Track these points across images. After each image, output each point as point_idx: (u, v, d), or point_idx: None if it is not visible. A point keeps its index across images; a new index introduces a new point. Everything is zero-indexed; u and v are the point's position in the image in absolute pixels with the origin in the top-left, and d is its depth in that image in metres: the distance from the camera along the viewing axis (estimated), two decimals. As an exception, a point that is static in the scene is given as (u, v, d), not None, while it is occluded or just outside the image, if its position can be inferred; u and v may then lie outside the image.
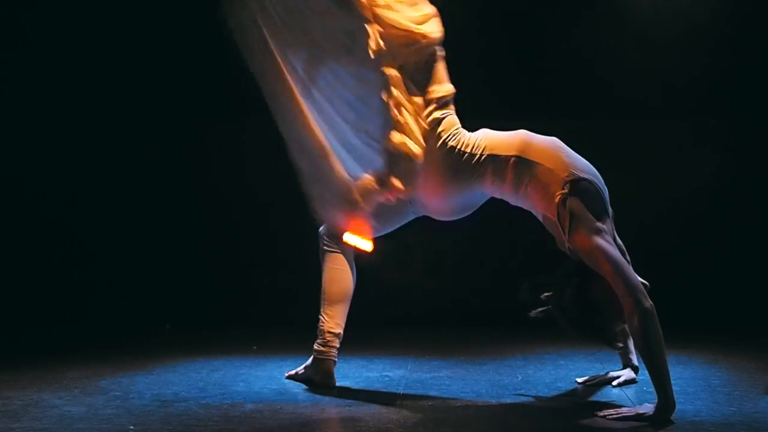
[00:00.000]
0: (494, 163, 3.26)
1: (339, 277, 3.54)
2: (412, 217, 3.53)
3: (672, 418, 2.90)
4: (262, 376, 3.73)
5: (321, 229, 3.58)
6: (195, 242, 5.36)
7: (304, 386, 3.52)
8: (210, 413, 3.06)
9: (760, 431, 2.82)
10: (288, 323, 4.11)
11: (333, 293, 3.53)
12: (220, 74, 5.31)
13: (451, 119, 3.37)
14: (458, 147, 3.30)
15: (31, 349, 3.70)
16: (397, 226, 3.57)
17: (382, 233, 3.58)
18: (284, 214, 5.18)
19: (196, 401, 3.25)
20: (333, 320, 3.52)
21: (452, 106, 3.42)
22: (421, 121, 3.31)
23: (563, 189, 3.11)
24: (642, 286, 2.99)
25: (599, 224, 3.07)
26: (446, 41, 3.45)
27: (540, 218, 3.27)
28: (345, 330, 3.61)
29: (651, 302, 2.95)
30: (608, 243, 3.05)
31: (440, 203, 3.39)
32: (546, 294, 3.20)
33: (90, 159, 5.38)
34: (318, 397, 3.34)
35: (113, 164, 5.36)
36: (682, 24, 5.21)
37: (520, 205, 3.31)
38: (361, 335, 4.57)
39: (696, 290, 5.13)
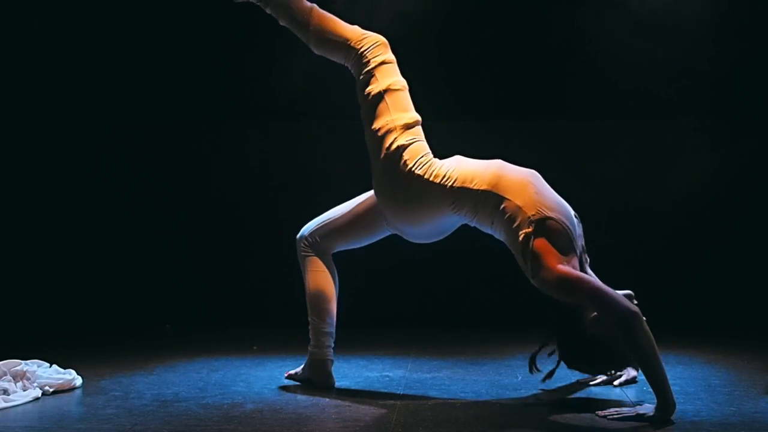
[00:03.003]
0: (465, 195, 3.24)
1: (321, 278, 3.55)
2: (387, 233, 3.53)
3: (672, 418, 2.90)
4: (262, 376, 3.73)
5: (298, 236, 3.61)
6: (195, 242, 5.36)
7: (303, 386, 3.52)
8: (210, 413, 3.06)
9: (760, 431, 2.82)
10: (288, 323, 4.11)
11: (318, 295, 3.54)
12: (222, 76, 5.34)
13: (417, 146, 3.36)
14: (426, 176, 3.29)
15: (30, 349, 3.69)
16: (373, 240, 3.59)
17: (358, 246, 3.61)
18: (285, 214, 5.19)
19: (196, 401, 3.25)
20: (323, 321, 3.53)
21: (420, 132, 3.42)
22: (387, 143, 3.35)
23: (528, 227, 3.10)
24: (622, 295, 2.99)
25: (564, 258, 3.07)
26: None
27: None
28: (345, 330, 3.61)
29: (635, 307, 2.95)
30: (572, 268, 3.05)
31: (410, 229, 3.41)
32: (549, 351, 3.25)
33: (92, 159, 5.38)
34: (318, 397, 3.34)
35: (115, 164, 5.37)
36: (684, 23, 5.21)
37: (494, 235, 3.31)
38: (361, 335, 4.59)
39: (696, 290, 5.13)
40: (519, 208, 3.14)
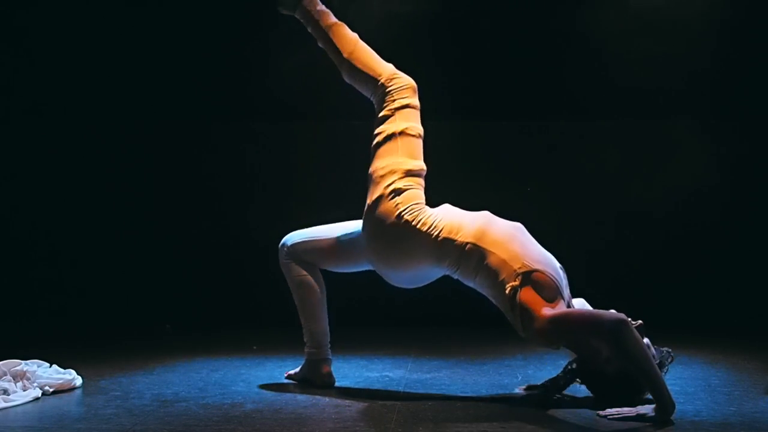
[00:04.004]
0: (449, 247, 3.23)
1: (305, 281, 3.54)
2: (368, 267, 3.50)
3: (672, 418, 2.90)
4: (262, 376, 3.73)
5: (281, 244, 3.59)
6: (195, 242, 5.36)
7: (303, 386, 3.52)
8: (210, 413, 3.06)
9: (760, 431, 2.82)
10: (288, 323, 4.11)
11: (305, 298, 3.54)
12: (218, 76, 5.35)
13: (413, 193, 3.34)
14: (414, 223, 3.27)
15: (30, 349, 3.69)
16: (352, 270, 3.56)
17: (336, 271, 3.59)
18: (284, 214, 5.19)
19: (196, 401, 3.25)
20: (314, 322, 3.54)
21: (421, 182, 3.40)
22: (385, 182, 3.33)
23: (515, 280, 3.10)
24: (604, 311, 3.01)
25: (550, 305, 3.06)
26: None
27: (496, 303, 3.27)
28: (346, 330, 3.60)
29: (622, 314, 2.95)
30: (556, 309, 3.05)
31: (389, 272, 3.39)
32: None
33: (92, 159, 5.38)
34: (318, 397, 3.34)
35: (114, 164, 5.37)
36: (684, 23, 5.22)
37: (476, 289, 3.31)
38: (361, 335, 4.59)
39: (696, 290, 5.13)
40: (504, 261, 3.14)
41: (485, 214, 3.33)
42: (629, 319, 3.08)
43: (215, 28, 5.30)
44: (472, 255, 3.20)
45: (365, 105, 3.55)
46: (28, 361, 3.49)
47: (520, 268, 3.11)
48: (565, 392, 3.30)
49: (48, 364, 3.55)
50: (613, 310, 3.10)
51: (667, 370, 3.18)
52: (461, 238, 3.23)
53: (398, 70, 3.48)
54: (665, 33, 5.22)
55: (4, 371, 3.37)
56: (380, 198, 3.32)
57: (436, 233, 3.25)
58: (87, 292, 5.32)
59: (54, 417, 3.04)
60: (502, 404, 3.19)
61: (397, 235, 3.28)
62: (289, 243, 3.57)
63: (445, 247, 3.24)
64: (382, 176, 3.34)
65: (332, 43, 3.50)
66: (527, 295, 3.07)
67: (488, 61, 5.29)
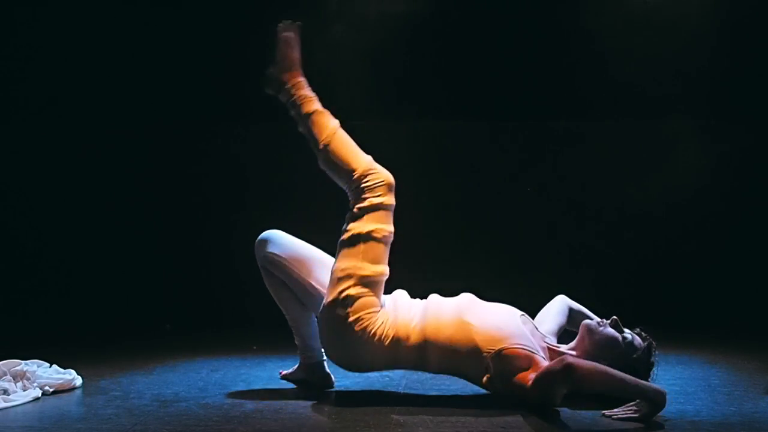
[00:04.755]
0: (403, 351, 3.20)
1: (283, 287, 3.50)
2: None
3: (672, 417, 2.89)
4: (262, 376, 3.73)
5: (263, 239, 3.53)
6: (195, 242, 5.35)
7: (303, 386, 3.52)
8: (210, 413, 3.06)
9: (760, 431, 2.82)
10: (287, 323, 4.12)
11: (287, 300, 3.51)
12: (211, 77, 5.33)
13: (365, 301, 3.23)
14: (362, 335, 3.20)
15: (30, 349, 3.69)
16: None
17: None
18: (282, 214, 5.19)
19: (196, 401, 3.25)
20: (302, 326, 3.52)
21: (377, 290, 3.29)
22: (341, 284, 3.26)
23: (487, 372, 3.11)
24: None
25: (530, 370, 3.06)
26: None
27: None
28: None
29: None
30: (537, 370, 3.03)
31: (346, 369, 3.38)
32: None
33: (92, 158, 5.38)
34: (318, 397, 3.34)
35: (114, 164, 5.37)
36: (683, 22, 5.22)
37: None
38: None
39: (695, 290, 5.13)
40: (467, 356, 3.14)
41: (432, 303, 3.31)
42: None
43: (206, 28, 5.30)
44: (431, 354, 3.20)
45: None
46: (28, 361, 3.49)
47: (486, 354, 3.10)
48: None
49: (48, 364, 3.55)
50: (556, 360, 3.06)
51: (655, 348, 3.17)
52: (414, 339, 3.20)
53: (376, 164, 3.35)
54: (665, 33, 5.22)
55: (4, 371, 3.37)
56: (334, 302, 3.24)
57: (387, 342, 3.21)
58: (87, 292, 5.31)
59: (54, 417, 3.04)
60: (502, 404, 3.19)
61: (347, 345, 3.24)
62: (268, 250, 3.49)
63: (399, 353, 3.22)
64: (339, 279, 3.25)
65: (311, 130, 3.40)
66: (507, 376, 3.07)
67: (487, 61, 5.28)
